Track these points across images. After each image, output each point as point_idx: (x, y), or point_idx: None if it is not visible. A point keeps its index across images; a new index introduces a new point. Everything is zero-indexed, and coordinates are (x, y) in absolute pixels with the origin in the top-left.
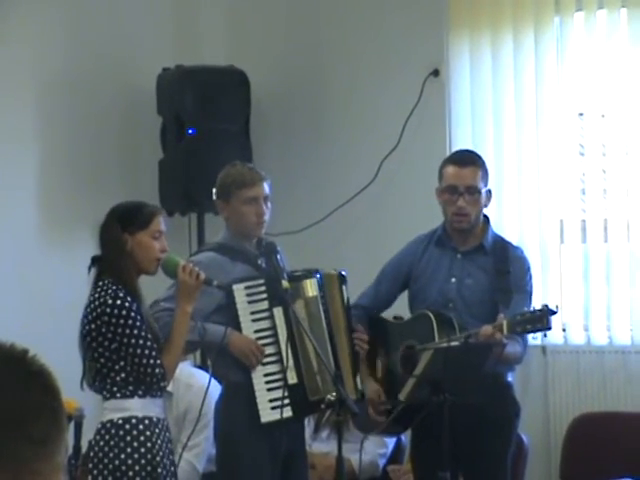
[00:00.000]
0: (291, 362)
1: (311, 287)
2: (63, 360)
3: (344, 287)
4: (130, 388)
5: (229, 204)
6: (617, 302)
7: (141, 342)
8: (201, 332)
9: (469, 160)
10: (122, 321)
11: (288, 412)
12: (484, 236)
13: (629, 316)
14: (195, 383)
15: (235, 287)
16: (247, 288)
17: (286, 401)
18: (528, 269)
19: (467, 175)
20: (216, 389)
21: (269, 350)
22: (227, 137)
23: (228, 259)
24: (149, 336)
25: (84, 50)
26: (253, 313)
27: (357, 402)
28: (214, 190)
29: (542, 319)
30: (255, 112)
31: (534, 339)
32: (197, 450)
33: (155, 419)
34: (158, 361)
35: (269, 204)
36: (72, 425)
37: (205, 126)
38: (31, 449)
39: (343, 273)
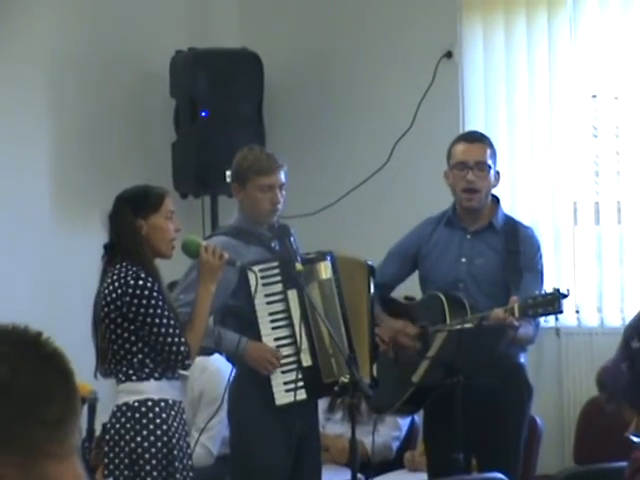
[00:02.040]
0: (305, 345)
1: (325, 270)
2: (77, 343)
3: (372, 279)
4: (146, 370)
5: (244, 189)
6: (630, 284)
7: (165, 321)
8: (217, 339)
9: (477, 137)
10: (145, 301)
11: (302, 394)
12: (494, 216)
13: None
14: (210, 366)
15: (249, 270)
16: (261, 271)
17: (300, 383)
18: (539, 248)
19: (476, 151)
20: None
21: (283, 333)
22: (240, 120)
23: (242, 242)
24: (172, 315)
25: (97, 33)
26: (267, 296)
27: (371, 387)
28: (229, 172)
29: (553, 303)
30: (268, 95)
31: (546, 322)
32: (211, 433)
33: (171, 401)
34: (183, 339)
35: (284, 192)
36: (86, 408)
37: (218, 109)
38: (44, 432)
39: (371, 264)
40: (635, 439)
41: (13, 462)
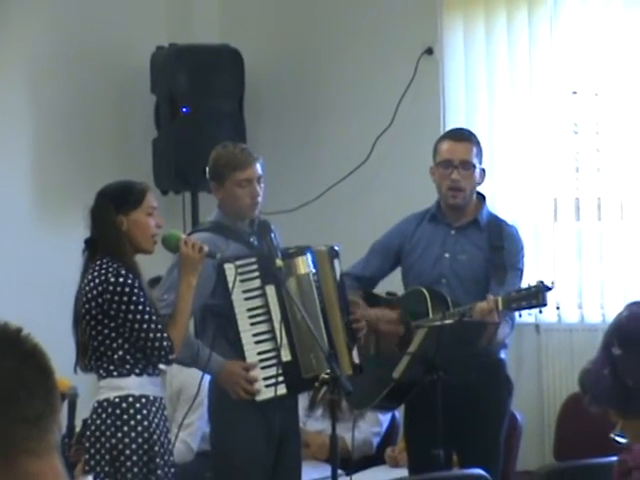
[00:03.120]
0: (285, 340)
1: (303, 264)
2: (56, 339)
3: (336, 261)
4: (127, 367)
5: (223, 186)
6: (610, 280)
7: (147, 317)
8: (194, 355)
9: (464, 136)
10: (126, 298)
11: (282, 390)
12: (479, 212)
13: (622, 294)
14: None
15: (226, 266)
16: (238, 267)
17: (280, 379)
18: (522, 248)
19: (462, 150)
20: None
21: (262, 328)
22: (221, 116)
23: (222, 238)
24: (153, 311)
25: (78, 29)
26: (245, 292)
27: (352, 378)
28: (207, 171)
29: (537, 295)
30: (249, 91)
31: (529, 315)
32: (191, 429)
33: (152, 397)
34: (165, 334)
35: (262, 184)
36: (66, 404)
37: (199, 105)
38: (24, 429)
39: (335, 248)
40: (620, 440)
41: None
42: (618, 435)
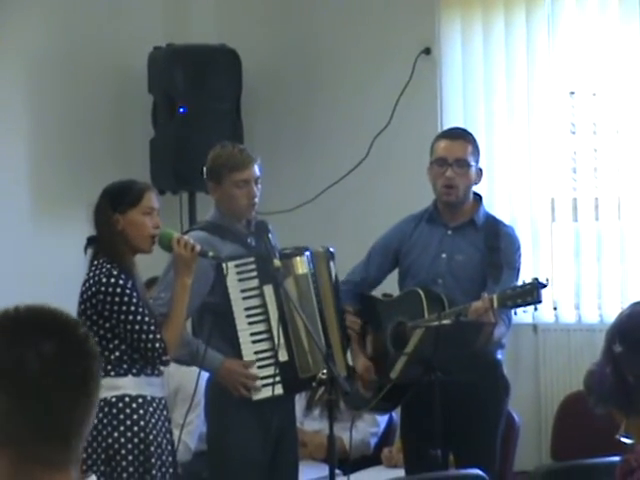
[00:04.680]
0: (282, 340)
1: (301, 265)
2: None
3: (332, 263)
4: (124, 367)
5: (220, 186)
6: (608, 280)
7: (139, 318)
8: (193, 352)
9: (460, 134)
10: (117, 299)
11: (279, 389)
12: (475, 212)
13: (620, 294)
14: None
15: (225, 265)
16: (237, 266)
17: (277, 379)
18: (518, 248)
19: (457, 148)
20: None
21: (259, 328)
22: (218, 116)
23: (218, 238)
24: (146, 312)
25: (75, 29)
26: (243, 291)
27: (347, 379)
28: (204, 171)
29: (532, 292)
30: (246, 91)
31: (525, 312)
32: (189, 428)
33: (149, 398)
34: (158, 335)
35: (259, 185)
36: None
37: (196, 105)
38: (55, 444)
39: (331, 249)
40: (626, 440)
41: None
42: (623, 436)
